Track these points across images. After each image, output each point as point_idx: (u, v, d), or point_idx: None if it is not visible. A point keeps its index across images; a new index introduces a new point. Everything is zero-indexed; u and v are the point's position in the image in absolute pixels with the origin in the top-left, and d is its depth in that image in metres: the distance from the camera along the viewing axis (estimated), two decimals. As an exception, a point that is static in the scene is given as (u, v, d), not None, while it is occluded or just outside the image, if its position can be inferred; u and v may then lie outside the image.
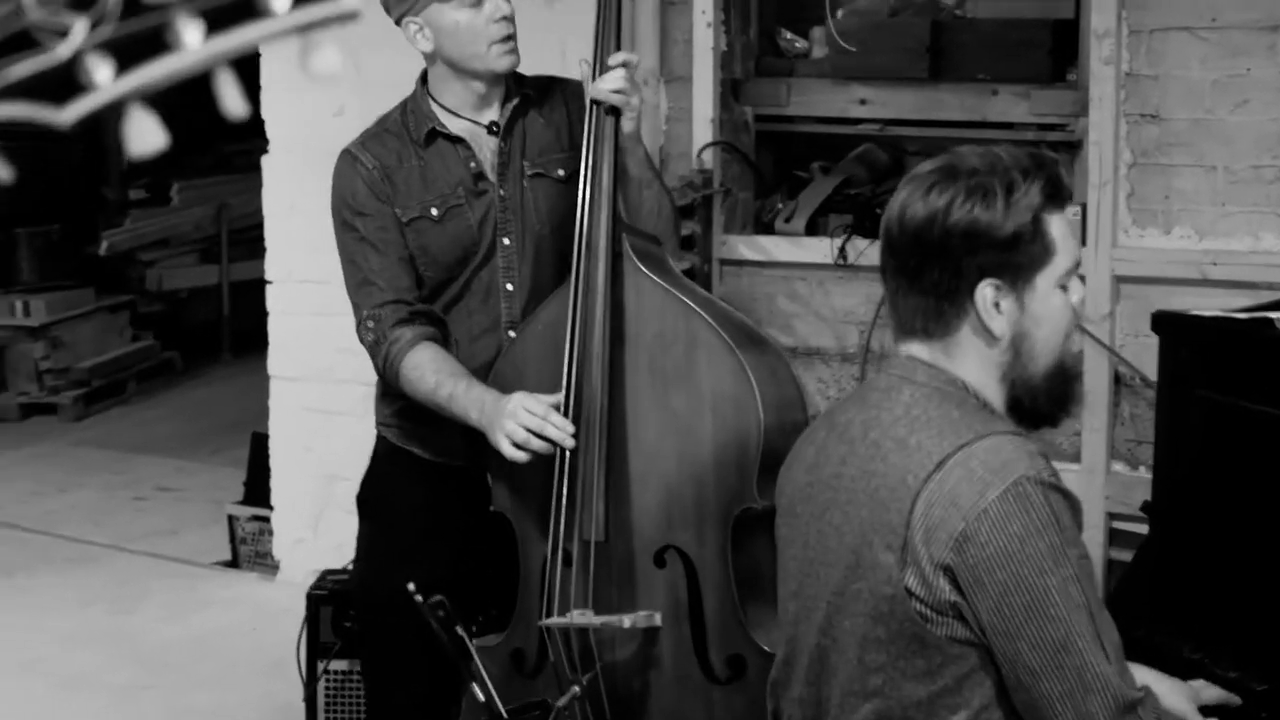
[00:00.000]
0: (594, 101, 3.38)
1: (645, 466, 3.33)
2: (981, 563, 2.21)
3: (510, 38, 3.45)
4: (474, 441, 3.35)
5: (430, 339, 3.42)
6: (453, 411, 3.32)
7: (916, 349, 2.40)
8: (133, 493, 8.18)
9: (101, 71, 1.08)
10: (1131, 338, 4.47)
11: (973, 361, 2.36)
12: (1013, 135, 4.82)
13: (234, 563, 6.75)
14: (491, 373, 3.45)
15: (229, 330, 11.58)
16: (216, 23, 1.09)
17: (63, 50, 1.08)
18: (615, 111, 3.37)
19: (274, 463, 6.28)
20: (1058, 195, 2.34)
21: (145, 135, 1.09)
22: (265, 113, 6.01)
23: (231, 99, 1.10)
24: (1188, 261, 4.42)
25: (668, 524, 3.33)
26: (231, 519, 6.75)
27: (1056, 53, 4.78)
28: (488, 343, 3.53)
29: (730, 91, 5.21)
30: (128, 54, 1.08)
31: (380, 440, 3.76)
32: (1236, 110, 4.38)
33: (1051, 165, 2.37)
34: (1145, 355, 4.36)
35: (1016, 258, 2.29)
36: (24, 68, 1.08)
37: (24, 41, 1.09)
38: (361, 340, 3.48)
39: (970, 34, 4.94)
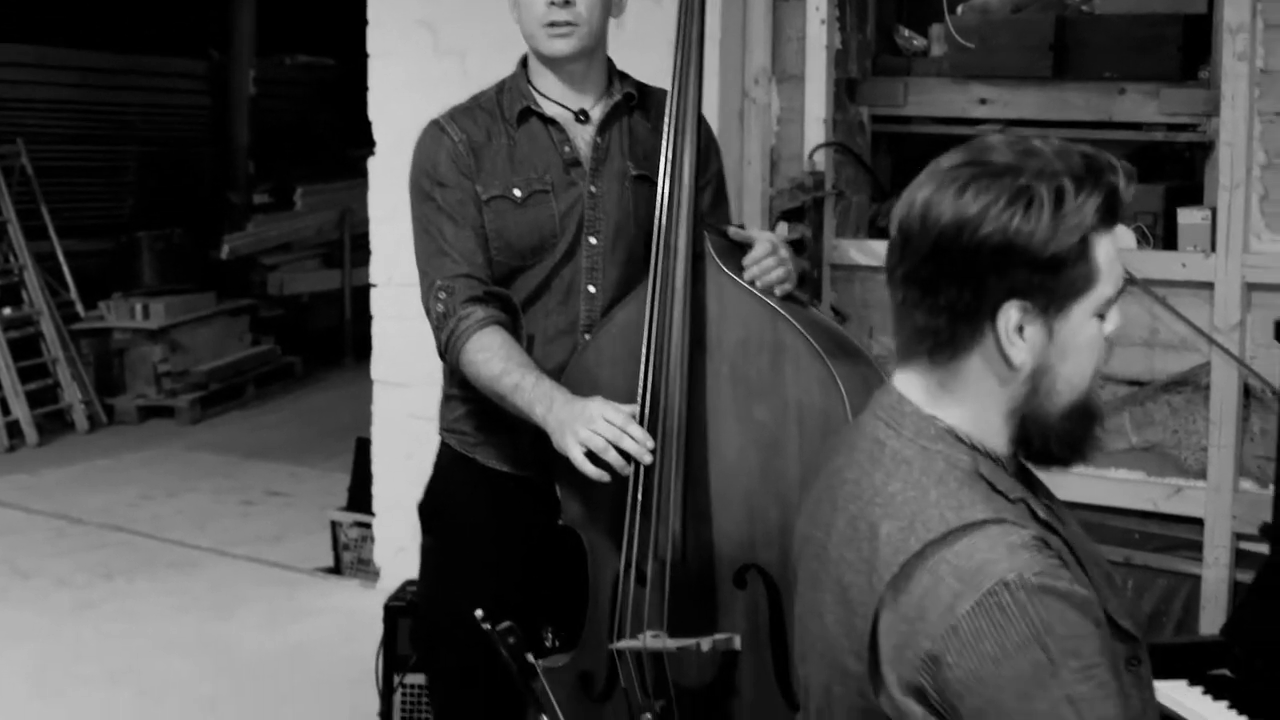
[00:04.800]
0: (676, 108, 3.21)
1: (726, 481, 3.13)
2: (951, 686, 1.87)
3: (562, 24, 3.27)
4: (543, 450, 3.16)
5: (501, 324, 3.25)
6: (515, 403, 3.13)
7: (911, 381, 2.07)
8: (242, 497, 8.17)
9: None
10: (1263, 348, 4.21)
11: (977, 395, 2.02)
12: (1141, 136, 4.61)
13: (336, 569, 6.67)
14: (562, 375, 3.25)
15: (351, 335, 11.57)
16: None
17: None
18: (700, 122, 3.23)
19: (376, 469, 6.19)
20: (1113, 213, 1.97)
21: None
22: (373, 115, 5.95)
23: None
24: (1325, 269, 4.17)
25: (750, 542, 3.12)
26: (335, 525, 6.68)
27: (1187, 49, 4.54)
28: (563, 344, 3.34)
29: (845, 91, 5.03)
30: None
31: (444, 448, 3.57)
32: (1379, 108, 4.13)
33: (1110, 175, 1.96)
34: (1278, 367, 4.12)
35: (1053, 282, 1.93)
36: None
37: None
38: (428, 309, 3.29)
39: (1097, 30, 4.71)
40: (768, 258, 3.19)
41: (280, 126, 13.07)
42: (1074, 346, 1.97)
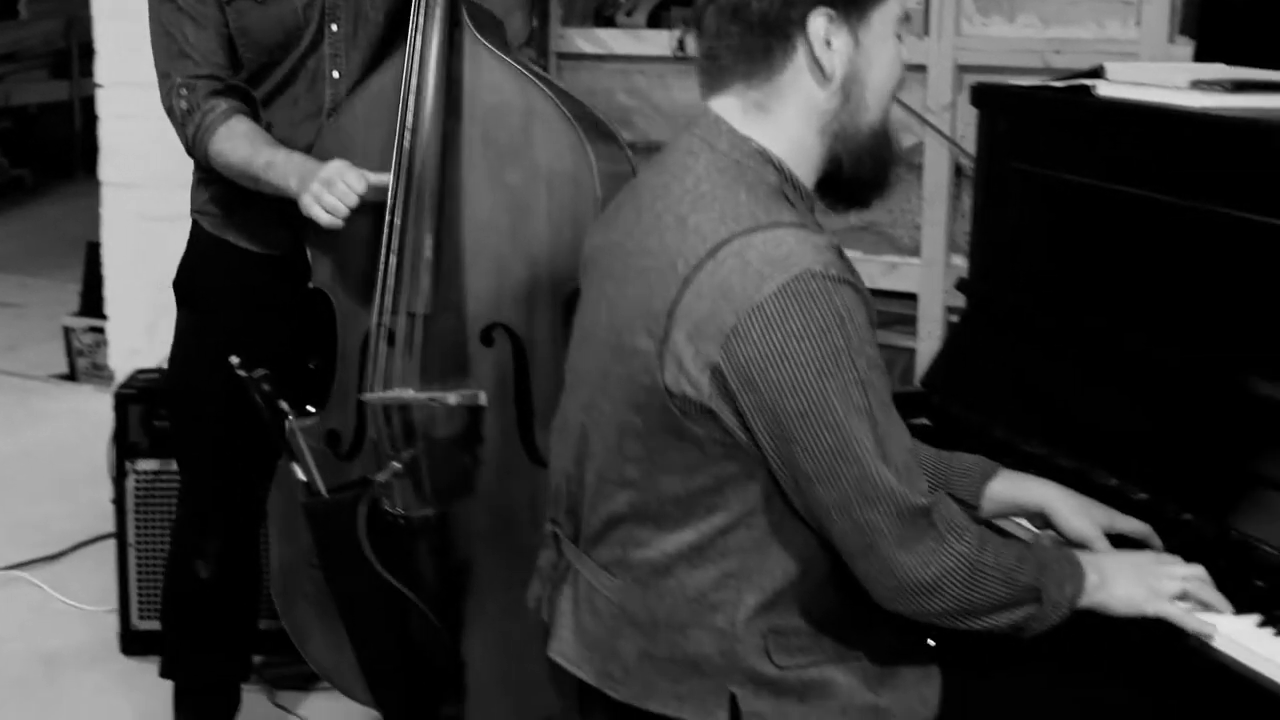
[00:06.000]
0: None
1: (477, 242, 3.24)
2: (754, 361, 2.02)
3: None
4: (292, 223, 3.25)
5: (244, 113, 3.29)
6: (270, 180, 3.19)
7: (728, 104, 2.21)
8: (-29, 309, 8.02)
9: None
10: (972, 128, 4.30)
11: (794, 111, 2.17)
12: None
13: (71, 375, 6.60)
14: (316, 143, 3.33)
15: (81, 146, 11.31)
16: None
17: None
18: None
19: (108, 272, 6.10)
20: None
21: None
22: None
23: None
24: (1031, 50, 4.30)
25: (498, 301, 3.25)
26: (68, 331, 6.60)
27: None
28: (309, 128, 3.39)
29: (570, -120, 5.03)
30: None
31: (196, 228, 3.60)
32: (1083, -108, 4.26)
33: None
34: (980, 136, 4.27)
35: None
36: None
37: None
38: (170, 107, 3.31)
39: None
40: None
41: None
42: (878, 57, 2.18)
